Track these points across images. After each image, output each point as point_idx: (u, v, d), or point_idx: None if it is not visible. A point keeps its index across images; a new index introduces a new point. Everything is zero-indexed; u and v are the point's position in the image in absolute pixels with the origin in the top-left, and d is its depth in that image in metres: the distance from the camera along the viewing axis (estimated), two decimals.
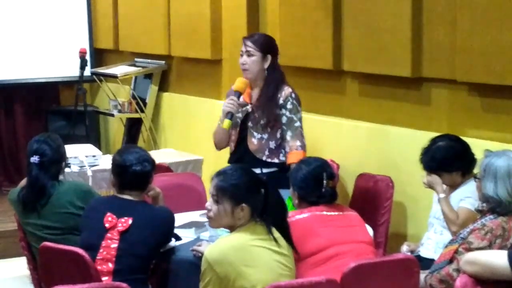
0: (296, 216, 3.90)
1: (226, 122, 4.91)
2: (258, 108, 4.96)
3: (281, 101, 4.94)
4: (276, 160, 4.96)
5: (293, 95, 4.97)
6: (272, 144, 4.96)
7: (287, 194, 4.40)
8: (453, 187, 4.45)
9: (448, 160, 4.39)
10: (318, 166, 4.07)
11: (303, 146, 4.91)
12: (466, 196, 4.33)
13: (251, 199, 3.61)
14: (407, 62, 5.03)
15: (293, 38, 5.81)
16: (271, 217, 3.60)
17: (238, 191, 3.62)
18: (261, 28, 6.22)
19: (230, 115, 4.91)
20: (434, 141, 4.49)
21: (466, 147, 4.42)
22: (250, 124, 4.98)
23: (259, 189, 3.65)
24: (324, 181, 4.01)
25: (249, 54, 4.95)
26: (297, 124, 4.94)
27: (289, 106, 4.93)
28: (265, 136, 4.96)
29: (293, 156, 4.85)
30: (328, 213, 3.93)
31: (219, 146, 5.14)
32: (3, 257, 6.35)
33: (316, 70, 5.73)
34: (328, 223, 3.88)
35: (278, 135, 4.96)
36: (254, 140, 4.98)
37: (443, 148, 4.42)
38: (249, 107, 4.98)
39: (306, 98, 5.43)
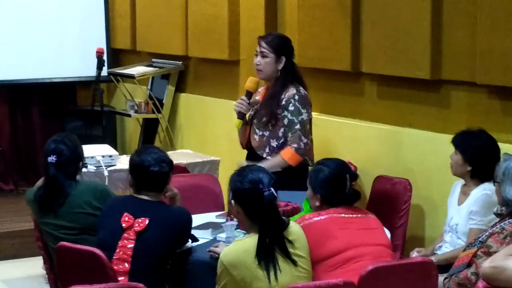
0: (314, 218, 3.87)
1: (237, 123, 5.00)
2: (262, 106, 4.98)
3: (283, 102, 4.93)
4: None
5: (296, 97, 4.95)
6: (273, 142, 4.98)
7: (301, 195, 4.40)
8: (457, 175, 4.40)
9: (480, 152, 4.32)
10: (340, 167, 4.04)
11: (299, 149, 4.91)
12: (475, 212, 4.29)
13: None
14: (426, 64, 5.00)
15: (311, 39, 5.79)
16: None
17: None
18: (279, 29, 6.20)
19: (240, 115, 4.95)
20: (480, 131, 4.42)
21: (497, 157, 4.34)
22: (254, 121, 5.02)
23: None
24: (348, 182, 3.99)
25: (263, 55, 4.97)
26: (297, 126, 4.93)
27: (290, 108, 4.94)
28: (266, 133, 4.99)
29: (284, 151, 4.89)
30: (346, 216, 3.90)
31: (241, 145, 5.19)
32: (19, 256, 6.35)
33: (334, 71, 5.71)
34: (346, 226, 3.86)
35: (280, 134, 4.96)
36: (256, 137, 5.02)
37: (484, 139, 4.36)
38: (257, 105, 5.00)
39: (324, 99, 5.42)
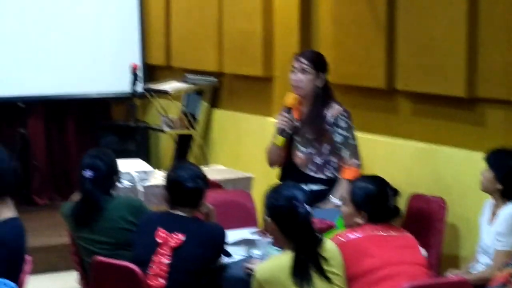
0: (349, 235, 3.86)
1: (280, 139, 4.94)
2: (305, 123, 4.97)
3: (331, 119, 4.93)
4: (322, 176, 4.97)
5: (344, 114, 4.98)
6: (317, 159, 4.97)
7: (335, 212, 4.40)
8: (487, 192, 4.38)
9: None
10: (382, 183, 4.05)
11: (359, 165, 4.93)
12: (502, 233, 4.26)
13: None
14: (461, 81, 4.98)
15: (345, 56, 5.79)
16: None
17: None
18: (313, 46, 6.21)
19: (284, 132, 4.92)
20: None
21: None
22: (296, 138, 5.00)
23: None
24: (391, 199, 3.99)
25: (304, 72, 4.96)
26: (353, 142, 4.96)
27: (342, 124, 4.94)
28: (311, 150, 4.98)
29: (347, 172, 4.86)
30: (382, 233, 3.89)
31: (271, 163, 5.16)
32: (53, 270, 6.39)
33: (368, 88, 5.70)
34: (382, 244, 3.84)
35: (325, 151, 4.96)
36: (300, 154, 5.00)
37: None
38: (297, 122, 4.98)
39: (358, 116, 5.41)
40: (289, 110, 5.00)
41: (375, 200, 3.99)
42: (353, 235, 3.87)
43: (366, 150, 5.49)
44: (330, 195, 4.72)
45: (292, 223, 3.60)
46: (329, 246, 3.67)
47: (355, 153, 4.93)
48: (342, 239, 3.82)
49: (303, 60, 5.00)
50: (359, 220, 3.97)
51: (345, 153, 4.92)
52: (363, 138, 5.55)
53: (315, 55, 5.10)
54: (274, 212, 3.67)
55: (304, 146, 4.99)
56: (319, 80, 4.99)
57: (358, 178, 4.27)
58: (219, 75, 7.38)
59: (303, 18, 6.29)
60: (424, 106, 5.39)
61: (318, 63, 5.01)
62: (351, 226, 4.00)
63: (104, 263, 3.99)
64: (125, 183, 5.74)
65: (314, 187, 4.91)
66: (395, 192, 4.10)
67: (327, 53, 5.40)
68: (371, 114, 5.75)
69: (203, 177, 4.15)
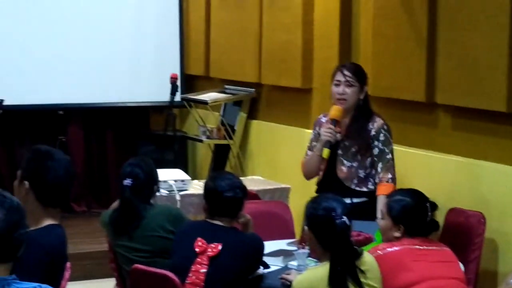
0: (388, 249, 3.85)
1: (326, 152, 4.91)
2: (349, 136, 4.95)
3: (373, 132, 4.93)
4: (364, 189, 4.94)
5: (385, 127, 4.96)
6: (361, 173, 4.94)
7: (373, 225, 4.38)
8: None
9: None
10: (419, 197, 4.03)
11: (394, 179, 4.88)
12: None
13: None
14: (502, 96, 4.94)
15: (385, 69, 5.78)
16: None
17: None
18: (353, 58, 6.20)
19: (328, 144, 4.90)
20: None
21: None
22: (340, 151, 4.97)
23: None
24: (429, 213, 3.97)
25: (349, 84, 4.94)
26: (389, 156, 4.92)
27: (381, 138, 4.92)
28: (355, 164, 4.95)
29: (382, 189, 4.82)
30: (421, 247, 3.87)
31: (309, 176, 5.13)
32: (91, 277, 6.43)
33: (408, 102, 5.68)
34: (420, 257, 3.82)
35: (367, 164, 4.94)
36: (343, 168, 4.97)
37: None
38: (339, 135, 4.97)
39: (397, 130, 5.38)
40: (334, 122, 4.97)
41: (413, 214, 3.97)
42: (391, 248, 3.86)
43: (405, 164, 5.47)
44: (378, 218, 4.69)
45: (329, 234, 3.60)
46: (367, 259, 3.66)
47: (389, 167, 4.89)
48: (380, 252, 3.81)
49: (347, 73, 4.97)
50: (396, 233, 3.96)
51: (379, 167, 4.90)
52: (401, 152, 5.53)
53: (358, 68, 5.09)
54: (312, 222, 3.67)
55: (348, 160, 4.96)
56: (362, 93, 4.98)
57: (396, 191, 4.25)
58: (257, 86, 7.39)
59: (343, 30, 6.29)
60: (464, 120, 5.36)
61: (361, 76, 5.01)
62: (389, 240, 3.98)
63: (142, 271, 4.01)
64: (162, 192, 5.78)
65: (356, 200, 4.89)
66: (434, 205, 4.08)
67: (366, 66, 5.39)
68: (410, 127, 5.72)
69: (242, 187, 4.16)
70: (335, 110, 4.97)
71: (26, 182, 3.42)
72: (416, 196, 4.06)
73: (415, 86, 5.55)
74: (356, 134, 4.94)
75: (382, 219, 4.10)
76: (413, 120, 5.73)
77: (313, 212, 3.68)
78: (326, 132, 4.92)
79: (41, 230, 3.30)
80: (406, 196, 4.03)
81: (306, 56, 6.65)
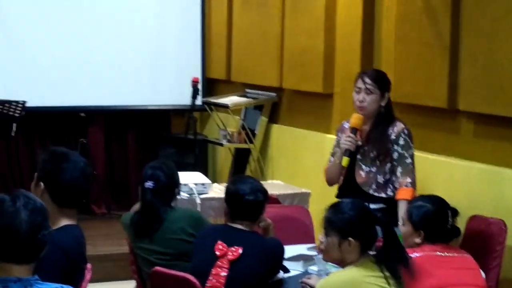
0: (409, 255, 3.83)
1: (345, 160, 4.91)
2: (368, 141, 4.94)
3: (393, 137, 4.91)
4: (383, 195, 4.93)
5: (405, 131, 4.94)
6: (380, 178, 4.93)
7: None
8: None
9: None
10: (441, 203, 4.01)
11: (413, 184, 4.86)
12: None
13: (361, 234, 3.57)
14: None
15: (408, 75, 5.76)
16: (386, 255, 3.54)
17: (345, 224, 3.59)
18: (375, 63, 6.19)
19: (348, 152, 4.90)
20: None
21: None
22: (359, 156, 4.97)
23: (371, 225, 3.60)
24: (450, 219, 3.95)
25: (369, 92, 4.93)
26: (409, 160, 4.89)
27: (401, 142, 4.91)
28: (374, 169, 4.94)
29: (402, 193, 4.81)
30: (442, 254, 3.86)
31: (331, 182, 5.13)
32: (110, 279, 6.44)
33: (430, 108, 5.66)
34: (442, 264, 3.81)
35: (387, 170, 4.92)
36: (362, 173, 4.96)
37: None
38: (359, 141, 4.97)
39: (418, 136, 5.37)
40: (354, 130, 4.97)
41: (433, 220, 3.96)
42: (412, 254, 3.84)
43: (426, 170, 5.45)
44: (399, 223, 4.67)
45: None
46: None
47: (408, 172, 4.87)
48: None
49: (367, 80, 4.95)
50: (417, 239, 3.95)
51: (399, 171, 4.88)
52: (423, 158, 5.51)
53: (379, 75, 5.06)
54: (333, 227, 3.66)
55: (367, 165, 4.96)
56: (384, 100, 4.97)
57: (417, 197, 4.24)
58: (278, 90, 7.40)
59: (365, 35, 6.28)
60: (486, 127, 5.33)
61: (382, 83, 4.98)
62: (410, 246, 3.97)
63: (163, 274, 4.02)
64: (183, 195, 5.79)
65: (374, 206, 4.87)
66: (454, 212, 4.06)
67: (388, 71, 5.37)
68: (432, 133, 5.70)
69: (263, 191, 4.16)
70: (355, 119, 4.97)
71: (42, 183, 3.45)
72: (437, 202, 4.05)
73: (438, 92, 5.53)
74: (376, 139, 4.93)
75: (403, 225, 4.08)
76: (435, 126, 5.71)
77: (331, 217, 3.66)
78: (346, 141, 4.92)
79: (57, 231, 3.31)
80: (427, 202, 4.02)
81: (327, 61, 6.65)
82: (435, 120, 5.70)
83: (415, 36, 5.72)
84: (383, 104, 4.96)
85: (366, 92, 4.93)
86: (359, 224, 3.57)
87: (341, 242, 3.57)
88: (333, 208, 3.68)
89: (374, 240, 3.58)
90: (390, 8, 6.01)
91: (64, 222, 3.45)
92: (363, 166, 4.96)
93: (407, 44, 5.79)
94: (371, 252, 3.59)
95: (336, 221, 3.59)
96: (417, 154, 5.34)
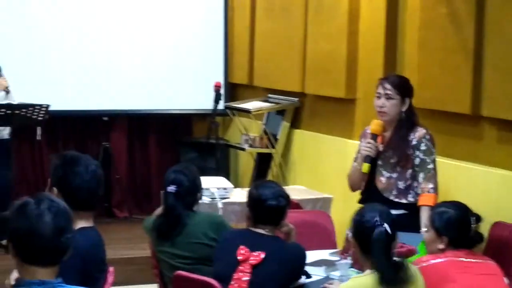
0: (432, 260, 3.82)
1: (366, 166, 4.92)
2: (389, 147, 4.94)
3: (414, 142, 4.90)
4: (404, 201, 4.92)
5: (427, 137, 4.93)
6: (401, 184, 4.92)
7: (416, 238, 4.35)
8: None
9: None
10: (463, 209, 4.00)
11: (435, 189, 4.84)
12: None
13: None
14: None
15: (430, 80, 5.74)
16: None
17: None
18: (398, 69, 6.18)
19: (369, 158, 4.90)
20: None
21: None
22: (379, 162, 4.96)
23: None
24: (473, 225, 3.94)
25: (388, 97, 4.93)
26: (430, 166, 4.88)
27: (422, 147, 4.89)
28: (394, 175, 4.93)
29: (424, 199, 4.80)
30: (466, 260, 3.84)
31: (353, 188, 5.14)
32: (132, 283, 6.46)
33: (453, 114, 5.64)
34: (465, 270, 3.79)
35: (408, 176, 4.91)
36: (382, 179, 4.96)
37: None
38: (380, 146, 4.96)
39: (441, 142, 5.36)
40: (375, 136, 4.96)
41: (457, 226, 3.94)
42: (436, 260, 3.83)
43: (449, 176, 5.43)
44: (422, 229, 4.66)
45: (368, 241, 3.58)
46: (411, 270, 3.63)
47: (430, 177, 4.86)
48: (424, 264, 3.78)
49: (387, 85, 4.95)
50: (440, 245, 3.93)
51: (421, 177, 4.87)
52: (446, 164, 5.49)
53: (400, 80, 5.05)
54: (355, 229, 3.66)
55: (387, 171, 4.95)
56: (404, 106, 4.95)
57: (440, 203, 4.23)
58: (301, 95, 7.40)
59: (388, 40, 6.27)
60: (509, 133, 5.30)
61: (403, 88, 4.97)
62: (433, 252, 3.96)
63: (185, 278, 4.03)
64: (205, 199, 5.80)
65: (394, 211, 4.86)
66: (478, 218, 4.05)
67: (411, 77, 5.36)
68: (455, 140, 5.68)
69: (286, 196, 4.16)
70: (375, 125, 4.98)
71: (55, 189, 3.51)
72: (460, 208, 4.03)
73: (461, 98, 5.51)
74: (396, 145, 4.93)
75: (426, 231, 4.07)
76: (458, 132, 5.69)
77: (356, 219, 3.67)
78: (366, 147, 4.92)
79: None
80: (450, 208, 4.01)
81: (350, 66, 6.64)
82: (458, 126, 5.67)
83: (439, 42, 5.70)
84: (403, 109, 4.95)
85: (386, 98, 4.93)
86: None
87: None
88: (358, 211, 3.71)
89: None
90: (414, 13, 5.99)
91: (80, 225, 3.49)
92: (384, 172, 4.95)
93: (431, 49, 5.78)
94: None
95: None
96: (440, 160, 5.32)
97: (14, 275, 2.99)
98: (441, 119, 5.72)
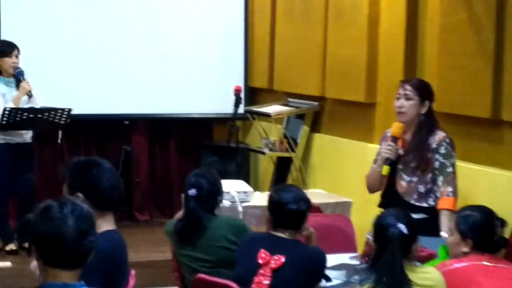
0: (455, 264, 3.82)
1: (386, 169, 4.93)
2: (409, 151, 4.94)
3: (434, 145, 4.90)
4: (424, 204, 4.91)
5: (447, 140, 4.92)
6: (421, 188, 4.92)
7: (437, 241, 4.35)
8: None
9: None
10: (490, 213, 4.00)
11: (455, 193, 4.84)
12: None
13: None
14: None
15: (451, 85, 5.74)
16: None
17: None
18: (418, 73, 6.18)
19: (389, 161, 4.91)
20: None
21: None
22: (400, 166, 4.96)
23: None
24: (497, 229, 3.94)
25: (408, 98, 4.94)
26: (450, 169, 4.88)
27: (442, 151, 4.89)
28: (415, 179, 4.93)
29: (443, 202, 4.80)
30: (489, 264, 3.83)
31: (371, 189, 5.14)
32: (152, 286, 6.48)
33: (473, 118, 5.63)
34: (489, 274, 3.77)
35: (428, 179, 4.91)
36: (403, 183, 4.96)
37: None
38: (400, 150, 4.96)
39: (461, 146, 5.35)
40: (395, 139, 4.98)
41: (482, 229, 3.93)
42: (459, 264, 3.82)
43: (469, 180, 5.43)
44: (442, 232, 4.65)
45: (383, 243, 3.58)
46: (433, 274, 3.63)
47: (449, 181, 4.86)
48: (447, 268, 3.78)
49: (407, 86, 4.98)
50: (465, 248, 3.92)
51: (440, 180, 4.87)
52: (466, 168, 5.48)
53: (420, 83, 5.08)
54: (375, 233, 3.67)
55: (408, 175, 4.96)
56: (423, 108, 4.96)
57: (464, 207, 4.21)
58: (321, 99, 7.41)
59: (408, 45, 6.27)
60: None
61: (422, 90, 4.98)
62: (457, 256, 3.95)
63: (206, 281, 4.05)
64: (225, 202, 5.82)
65: (415, 215, 4.86)
66: (503, 222, 4.04)
67: (431, 81, 5.35)
68: (475, 144, 5.67)
69: (306, 200, 4.17)
70: (395, 127, 5.00)
71: (80, 194, 3.54)
72: (485, 212, 4.02)
73: (481, 103, 5.50)
74: (416, 149, 4.93)
75: (450, 235, 4.05)
76: (478, 136, 5.68)
77: (376, 223, 3.68)
78: (386, 149, 4.93)
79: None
80: (475, 211, 4.00)
81: (370, 71, 6.65)
82: (478, 131, 5.67)
83: (459, 46, 5.70)
84: (422, 112, 4.96)
85: (406, 98, 4.95)
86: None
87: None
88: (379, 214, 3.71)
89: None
90: (434, 18, 5.99)
91: (104, 228, 3.52)
92: (404, 176, 4.95)
93: (451, 54, 5.77)
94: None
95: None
96: (460, 164, 5.32)
97: (34, 263, 3.03)
98: (461, 123, 5.72)
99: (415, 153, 4.91)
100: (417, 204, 4.91)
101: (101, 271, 3.38)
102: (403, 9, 6.24)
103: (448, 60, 5.80)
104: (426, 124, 4.96)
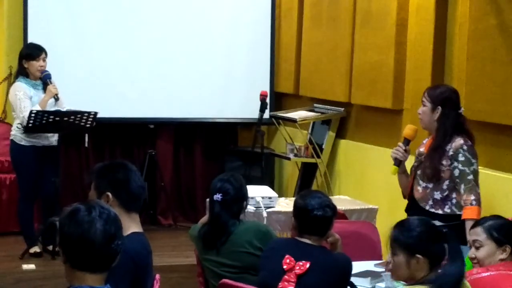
0: (483, 273, 3.78)
1: (393, 169, 5.02)
2: (426, 158, 4.93)
3: (451, 153, 4.85)
4: (440, 211, 4.88)
5: (464, 147, 4.85)
6: (437, 195, 4.89)
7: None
8: None
9: None
10: None
11: (478, 201, 4.78)
12: None
13: (428, 250, 3.52)
14: None
15: (479, 92, 5.69)
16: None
17: (413, 241, 3.54)
18: (446, 80, 6.13)
19: (397, 161, 4.98)
20: None
21: None
22: (418, 172, 4.97)
23: (438, 241, 3.55)
24: None
25: (423, 105, 4.97)
26: (470, 177, 4.81)
27: (460, 158, 4.84)
28: (430, 185, 4.91)
29: (468, 212, 4.75)
30: None
31: (404, 194, 5.17)
32: None
33: (502, 126, 5.58)
34: None
35: (445, 187, 4.87)
36: (419, 188, 4.96)
37: None
38: (408, 151, 5.01)
39: (489, 154, 5.31)
40: (407, 141, 5.03)
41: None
42: (486, 273, 3.78)
43: (497, 188, 5.38)
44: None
45: None
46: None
47: (471, 188, 4.80)
48: (475, 276, 3.74)
49: (425, 93, 5.01)
50: (502, 255, 3.87)
51: (462, 188, 4.83)
52: (495, 176, 5.44)
53: (436, 89, 5.03)
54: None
55: (424, 181, 4.94)
56: (435, 114, 4.92)
57: (485, 217, 4.15)
58: (347, 105, 7.38)
59: (436, 51, 6.22)
60: None
61: (434, 96, 4.94)
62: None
63: (230, 286, 4.04)
64: (249, 208, 5.79)
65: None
66: None
67: (459, 88, 5.32)
68: (504, 152, 5.62)
69: (332, 206, 4.14)
70: (408, 129, 5.10)
71: (109, 194, 3.56)
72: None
73: (509, 110, 5.46)
74: (429, 156, 4.92)
75: (483, 247, 3.97)
76: (507, 144, 5.63)
77: (398, 235, 3.63)
78: (394, 150, 5.03)
79: (126, 238, 3.37)
80: (502, 218, 3.97)
81: (398, 77, 6.61)
82: (507, 138, 5.62)
83: (488, 53, 5.65)
84: (435, 118, 4.92)
85: (423, 105, 4.96)
86: (427, 240, 3.52)
87: (409, 259, 3.52)
88: (399, 226, 3.64)
89: (443, 257, 3.52)
90: (463, 24, 5.95)
91: (132, 229, 3.55)
92: (420, 182, 4.95)
93: (480, 61, 5.73)
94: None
95: (403, 239, 3.54)
96: (488, 172, 5.28)
97: None
98: (489, 131, 5.67)
99: (428, 161, 4.90)
100: (432, 210, 4.88)
101: (130, 273, 3.39)
102: (432, 15, 6.20)
103: (477, 66, 5.75)
104: (441, 131, 4.93)
